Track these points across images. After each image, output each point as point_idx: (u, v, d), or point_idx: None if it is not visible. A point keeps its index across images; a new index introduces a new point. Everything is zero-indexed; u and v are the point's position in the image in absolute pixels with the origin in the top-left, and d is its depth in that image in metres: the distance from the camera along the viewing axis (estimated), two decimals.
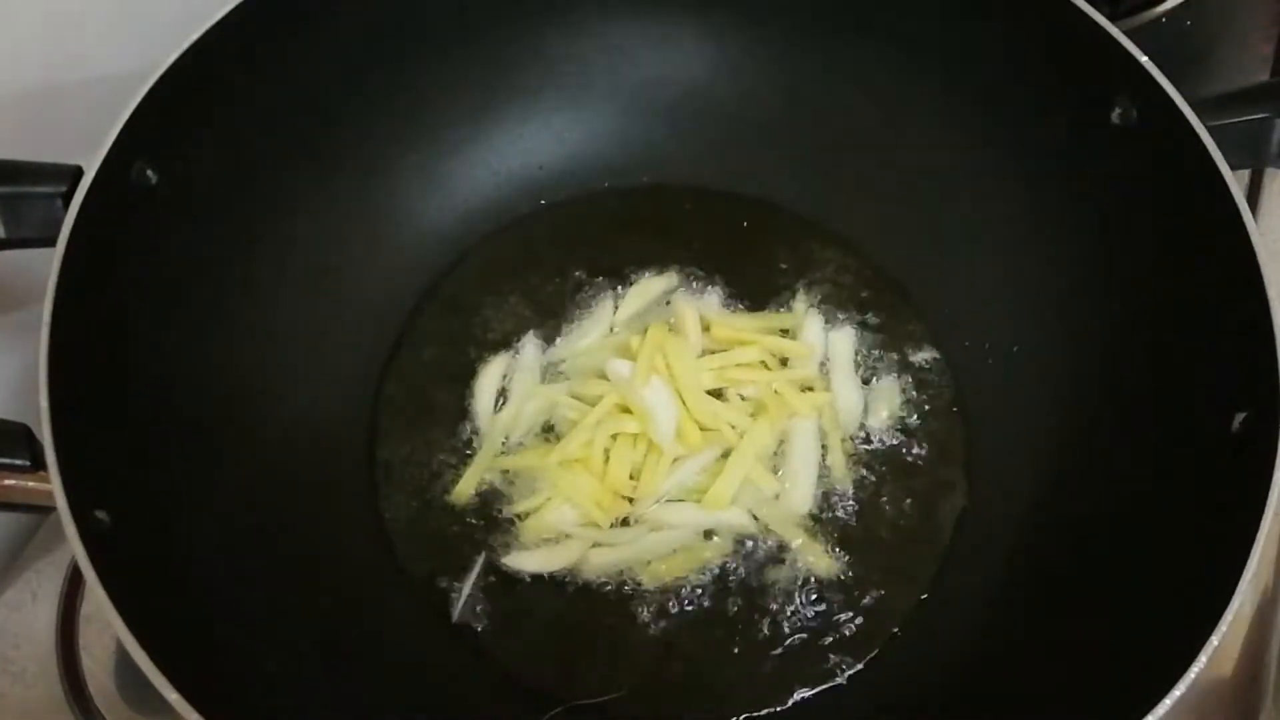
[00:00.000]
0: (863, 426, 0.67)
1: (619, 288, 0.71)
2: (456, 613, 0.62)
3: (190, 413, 0.60)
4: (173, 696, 0.46)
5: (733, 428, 0.65)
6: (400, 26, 0.68)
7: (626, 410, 0.65)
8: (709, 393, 0.66)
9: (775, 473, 0.65)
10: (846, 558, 0.63)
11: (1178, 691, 0.47)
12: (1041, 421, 0.65)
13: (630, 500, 0.64)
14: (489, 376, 0.68)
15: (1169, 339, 0.60)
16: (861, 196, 0.73)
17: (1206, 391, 0.57)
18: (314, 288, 0.68)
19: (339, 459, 0.66)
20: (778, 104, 0.74)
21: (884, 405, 0.68)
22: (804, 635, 0.61)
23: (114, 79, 0.61)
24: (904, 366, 0.69)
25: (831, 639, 0.61)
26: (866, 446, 0.67)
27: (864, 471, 0.66)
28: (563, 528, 0.63)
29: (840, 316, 0.70)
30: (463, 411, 0.68)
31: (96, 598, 0.47)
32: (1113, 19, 0.60)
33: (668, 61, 0.74)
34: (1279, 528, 0.61)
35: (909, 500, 0.65)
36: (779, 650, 0.61)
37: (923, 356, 0.69)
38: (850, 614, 0.62)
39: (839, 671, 0.61)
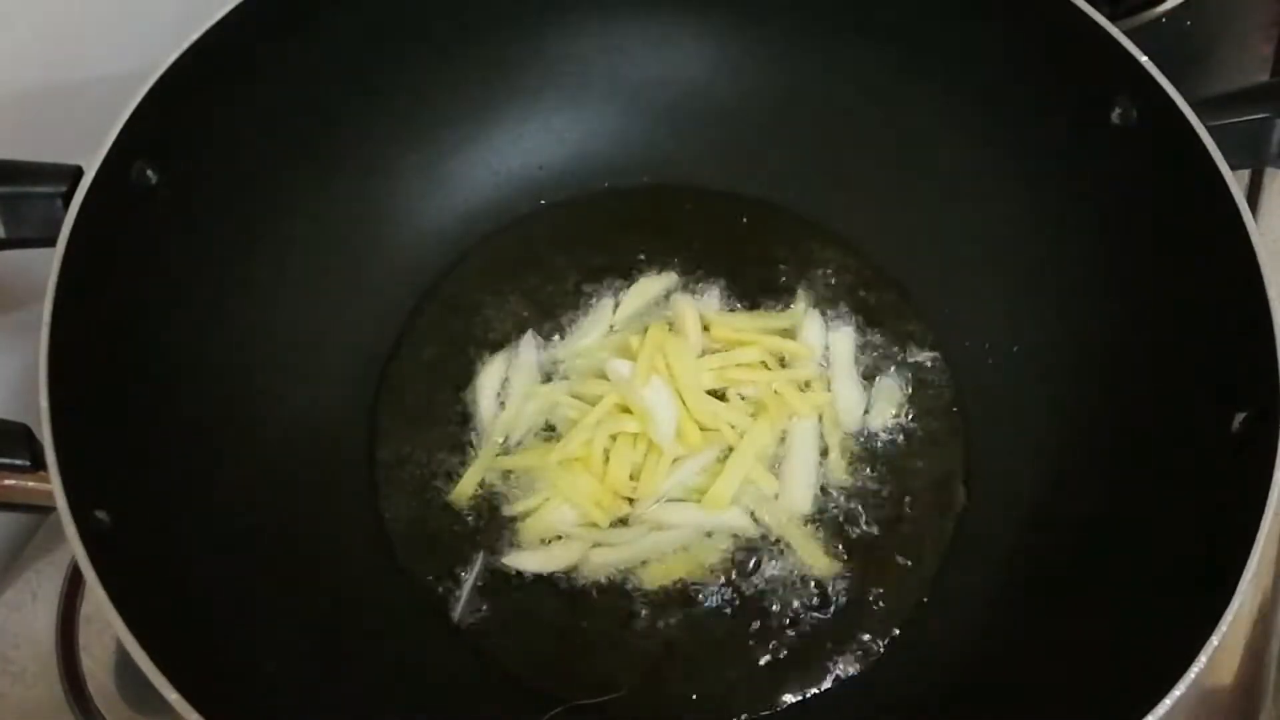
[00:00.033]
0: (863, 426, 0.67)
1: (619, 288, 0.71)
2: (457, 613, 0.62)
3: (190, 413, 0.60)
4: (173, 696, 0.46)
5: (733, 428, 0.65)
6: (400, 26, 0.68)
7: (626, 410, 0.65)
8: (709, 393, 0.66)
9: (775, 473, 0.65)
10: (846, 558, 0.63)
11: (1178, 691, 0.47)
12: (1041, 421, 0.65)
13: (630, 500, 0.64)
14: (489, 376, 0.68)
15: (1169, 339, 0.60)
16: (861, 196, 0.73)
17: (1206, 392, 0.57)
18: (314, 288, 0.68)
19: (339, 459, 0.66)
20: (778, 104, 0.74)
21: (884, 405, 0.68)
22: (804, 635, 0.61)
23: (114, 79, 0.61)
24: (904, 366, 0.69)
25: (831, 639, 0.61)
26: (866, 446, 0.67)
27: (864, 471, 0.66)
28: (562, 528, 0.63)
29: (840, 316, 0.70)
30: (463, 411, 0.68)
31: (96, 598, 0.47)
32: (1113, 19, 0.60)
33: (668, 61, 0.74)
34: (1279, 528, 0.61)
35: (909, 500, 0.65)
36: (779, 650, 0.61)
37: (923, 356, 0.69)
38: (850, 614, 0.62)
39: (839, 671, 0.61)
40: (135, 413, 0.57)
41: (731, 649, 0.61)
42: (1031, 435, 0.65)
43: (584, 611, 0.62)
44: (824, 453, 0.66)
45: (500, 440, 0.66)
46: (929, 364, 0.69)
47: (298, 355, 0.66)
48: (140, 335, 0.58)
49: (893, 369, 0.69)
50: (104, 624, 0.56)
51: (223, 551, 0.57)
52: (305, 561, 0.60)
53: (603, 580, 0.62)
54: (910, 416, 0.68)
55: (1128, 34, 0.60)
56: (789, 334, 0.70)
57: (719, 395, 0.67)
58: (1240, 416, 0.54)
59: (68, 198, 0.55)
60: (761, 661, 0.61)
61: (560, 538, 0.63)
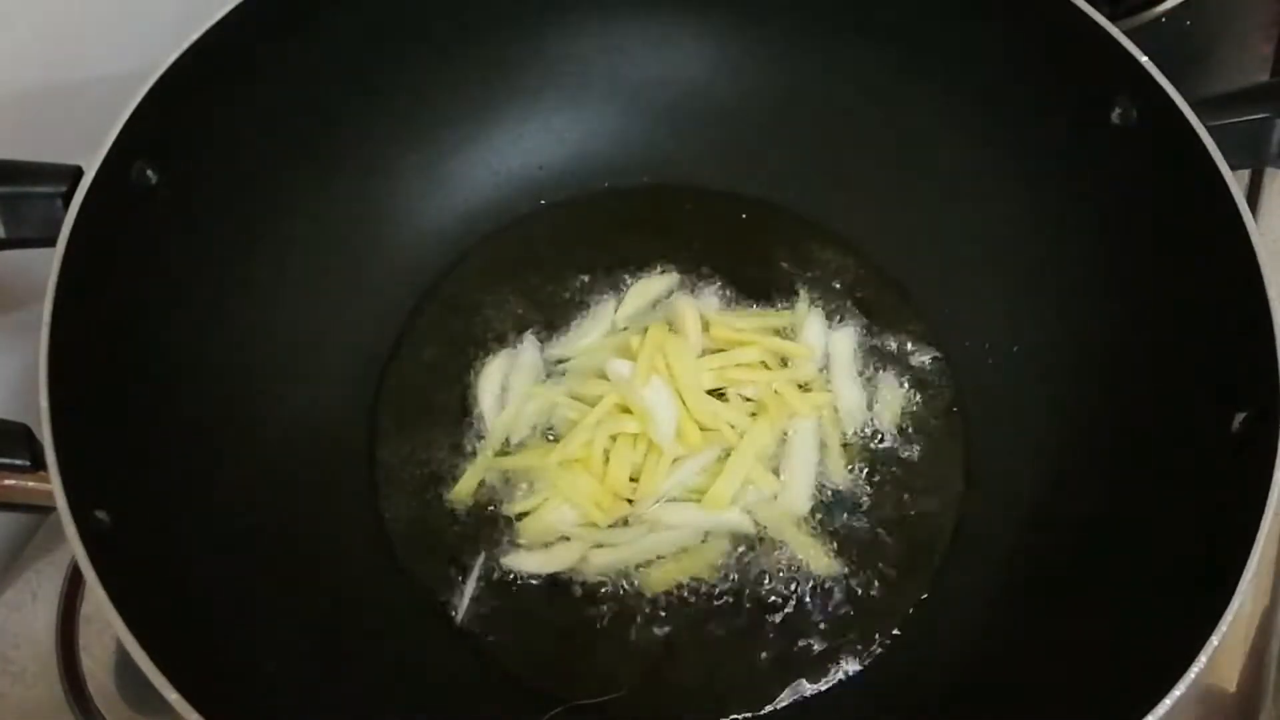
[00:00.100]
0: (863, 426, 0.67)
1: (619, 288, 0.71)
2: (456, 613, 0.62)
3: (190, 413, 0.60)
4: (173, 696, 0.46)
5: (733, 428, 0.65)
6: (400, 26, 0.68)
7: (626, 410, 0.65)
8: (709, 393, 0.66)
9: (775, 473, 0.65)
10: (846, 558, 0.63)
11: (1178, 691, 0.47)
12: (1041, 421, 0.65)
13: (630, 501, 0.64)
14: (489, 376, 0.68)
15: (1169, 339, 0.60)
16: (861, 196, 0.73)
17: (1206, 392, 0.57)
18: (314, 288, 0.68)
19: (339, 459, 0.66)
20: (778, 104, 0.74)
21: (884, 405, 0.68)
22: (803, 635, 0.61)
23: (114, 79, 0.61)
24: (904, 366, 0.69)
25: (831, 639, 0.61)
26: (866, 446, 0.67)
27: (864, 471, 0.66)
28: (562, 528, 0.63)
29: (840, 316, 0.70)
30: (463, 411, 0.68)
31: (96, 598, 0.47)
32: (1113, 19, 0.60)
33: (668, 61, 0.74)
34: (1279, 528, 0.61)
35: (909, 500, 0.65)
36: (778, 650, 0.61)
37: (923, 356, 0.69)
38: (850, 614, 0.62)
39: (839, 671, 0.61)
40: (135, 413, 0.57)
41: (731, 649, 0.61)
42: (1031, 435, 0.65)
43: (584, 611, 0.62)
44: (824, 453, 0.66)
45: (500, 440, 0.66)
46: (929, 364, 0.69)
47: (298, 355, 0.66)
48: (140, 335, 0.58)
49: (893, 369, 0.69)
50: (104, 624, 0.56)
51: (223, 551, 0.57)
52: (305, 561, 0.60)
53: (603, 580, 0.62)
54: (910, 416, 0.68)
55: (1128, 34, 0.60)
56: (789, 334, 0.70)
57: (719, 395, 0.67)
58: (1240, 416, 0.54)
59: (68, 198, 0.55)
60: (761, 661, 0.61)
61: (560, 538, 0.63)
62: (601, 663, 0.61)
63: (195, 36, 0.59)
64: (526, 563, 0.63)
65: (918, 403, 0.68)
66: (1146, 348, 0.61)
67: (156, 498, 0.55)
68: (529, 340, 0.69)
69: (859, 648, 0.61)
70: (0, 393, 0.67)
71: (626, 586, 0.62)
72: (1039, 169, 0.67)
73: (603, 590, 0.62)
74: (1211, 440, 0.55)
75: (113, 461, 0.54)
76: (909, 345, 0.70)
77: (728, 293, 0.71)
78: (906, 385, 0.68)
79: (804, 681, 0.60)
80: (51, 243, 0.54)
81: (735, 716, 0.60)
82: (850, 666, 0.61)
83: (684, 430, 0.64)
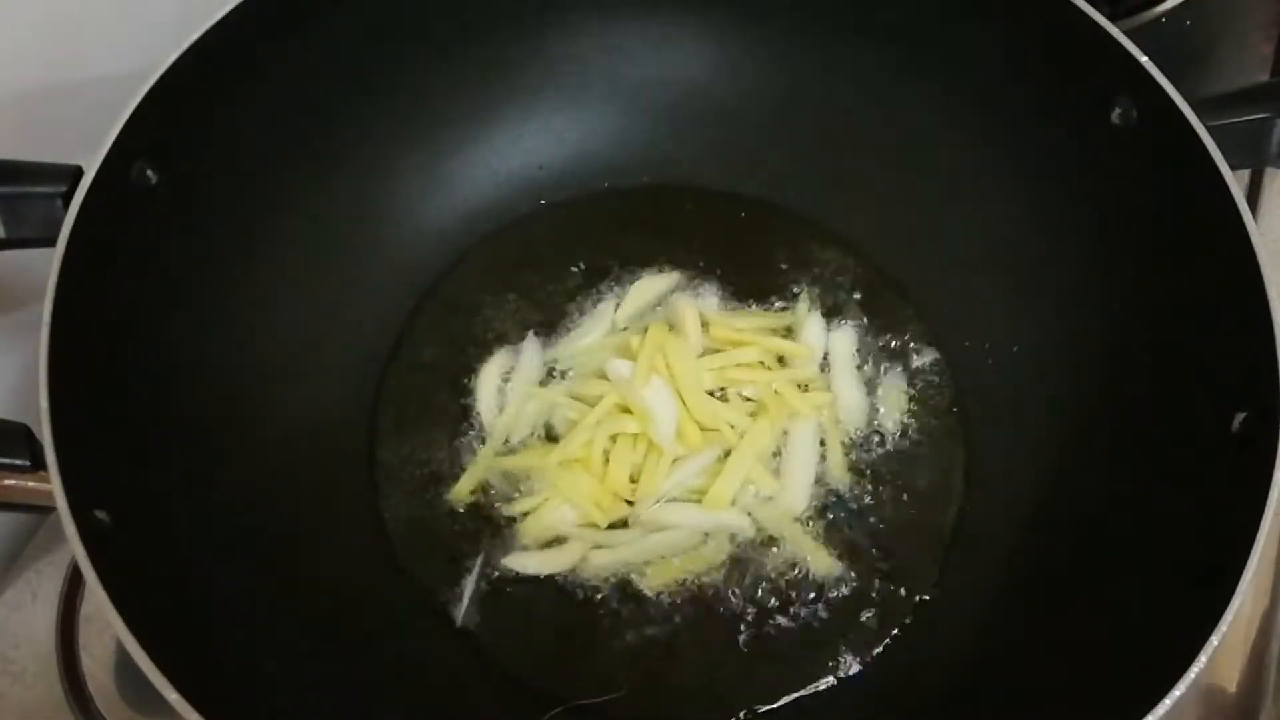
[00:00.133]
0: (863, 426, 0.67)
1: (619, 288, 0.71)
2: (456, 613, 0.62)
3: (190, 413, 0.60)
4: (173, 696, 0.46)
5: (733, 428, 0.65)
6: (400, 26, 0.68)
7: (626, 410, 0.65)
8: (709, 393, 0.66)
9: (774, 473, 0.65)
10: (845, 558, 0.63)
11: (1178, 691, 0.47)
12: (1041, 421, 0.65)
13: (630, 501, 0.64)
14: (489, 376, 0.68)
15: (1169, 339, 0.60)
16: (861, 196, 0.73)
17: (1206, 392, 0.57)
18: (314, 288, 0.68)
19: (339, 459, 0.66)
20: (778, 104, 0.74)
21: (884, 405, 0.68)
22: (803, 635, 0.61)
23: (114, 79, 0.61)
24: (904, 366, 0.69)
25: (831, 639, 0.61)
26: (866, 446, 0.67)
27: (864, 471, 0.66)
28: (562, 529, 0.63)
29: (840, 316, 0.70)
30: (463, 411, 0.68)
31: (96, 598, 0.47)
32: (1113, 19, 0.60)
33: (668, 61, 0.74)
34: (1279, 528, 0.61)
35: (908, 500, 0.65)
36: (778, 650, 0.61)
37: (923, 356, 0.69)
38: (850, 614, 0.62)
39: (839, 671, 0.61)
40: (135, 413, 0.57)
41: (731, 648, 0.61)
42: (1031, 435, 0.65)
43: (584, 611, 0.62)
44: (824, 453, 0.66)
45: (500, 440, 0.66)
46: (929, 364, 0.69)
47: (298, 355, 0.66)
48: (140, 335, 0.58)
49: (893, 369, 0.69)
50: (104, 624, 0.56)
51: (223, 551, 0.57)
52: (305, 561, 0.60)
53: (603, 581, 0.62)
54: (910, 416, 0.68)
55: (1128, 34, 0.60)
56: (789, 334, 0.70)
57: (719, 395, 0.67)
58: (1240, 416, 0.54)
59: (68, 198, 0.55)
60: (761, 660, 0.61)
61: (560, 538, 0.63)
62: (601, 663, 0.61)
63: (195, 36, 0.59)
64: (526, 563, 0.63)
65: (918, 403, 0.68)
66: (1146, 348, 0.61)
67: (156, 498, 0.55)
68: (529, 340, 0.69)
69: (859, 647, 0.61)
70: (0, 393, 0.67)
71: (626, 587, 0.62)
72: (1039, 169, 0.67)
73: (603, 590, 0.62)
74: (1211, 440, 0.55)
75: (113, 461, 0.54)
76: (909, 345, 0.70)
77: (728, 293, 0.71)
78: (906, 385, 0.68)
79: (804, 681, 0.60)
80: (51, 243, 0.54)
81: (735, 716, 0.60)
82: (850, 666, 0.61)
83: (684, 430, 0.64)
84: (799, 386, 0.67)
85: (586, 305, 0.71)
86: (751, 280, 0.72)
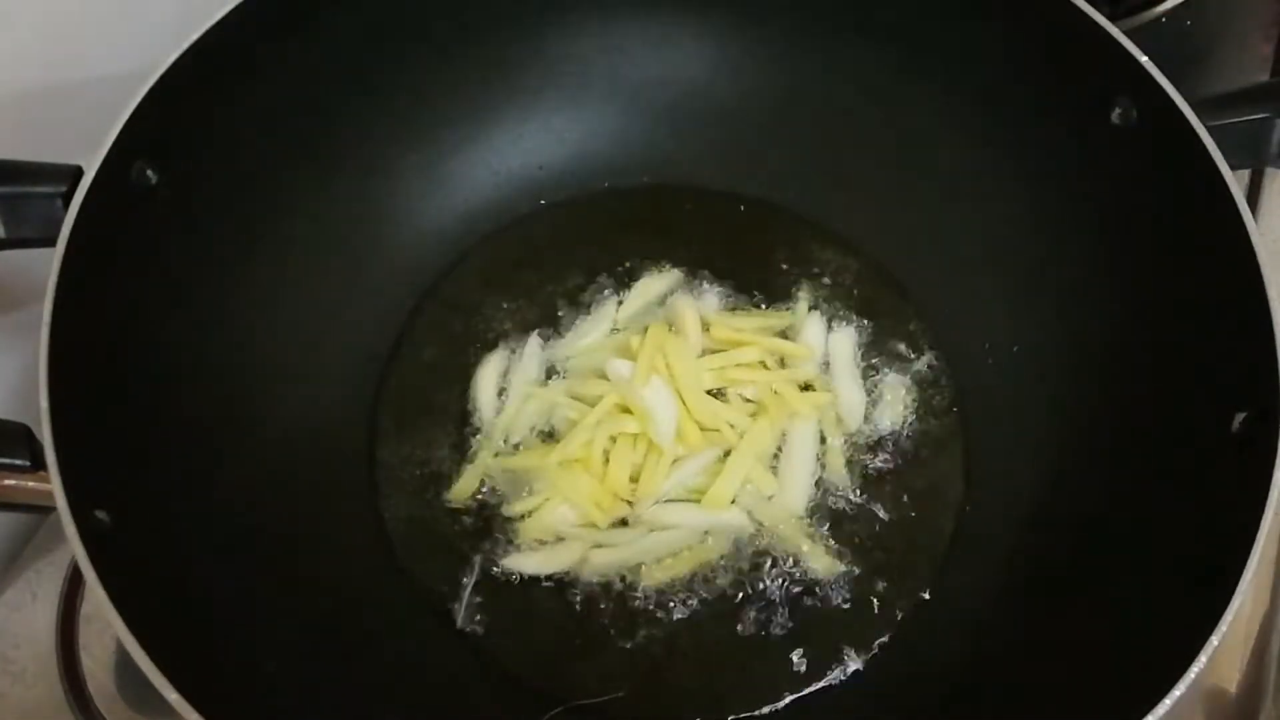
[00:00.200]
0: (863, 426, 0.67)
1: (619, 288, 0.71)
2: (456, 614, 0.62)
3: (190, 413, 0.60)
4: (173, 696, 0.46)
5: (732, 428, 0.65)
6: (400, 26, 0.68)
7: (626, 410, 0.65)
8: (709, 393, 0.66)
9: (774, 473, 0.65)
10: (846, 558, 0.63)
11: (1178, 691, 0.47)
12: (1041, 421, 0.65)
13: (629, 502, 0.64)
14: (489, 376, 0.68)
15: (1169, 339, 0.60)
16: (861, 196, 0.73)
17: (1206, 392, 0.57)
18: (314, 288, 0.68)
19: (339, 459, 0.66)
20: (778, 104, 0.74)
21: (884, 405, 0.68)
22: (803, 635, 0.61)
23: (114, 79, 0.61)
24: (904, 366, 0.69)
25: (831, 639, 0.61)
26: (866, 446, 0.67)
27: (864, 471, 0.66)
28: (562, 529, 0.63)
29: (840, 316, 0.70)
30: (463, 411, 0.68)
31: (96, 598, 0.47)
32: (1113, 19, 0.60)
33: (668, 61, 0.74)
34: (1279, 528, 0.61)
35: (909, 500, 0.65)
36: (778, 650, 0.61)
37: (923, 356, 0.69)
38: (850, 614, 0.62)
39: (839, 671, 0.61)
40: (135, 413, 0.57)
41: (731, 648, 0.61)
42: (1031, 435, 0.65)
43: (584, 612, 0.62)
44: (824, 453, 0.66)
45: (500, 440, 0.66)
46: (929, 364, 0.69)
47: (298, 355, 0.66)
48: (140, 335, 0.58)
49: (893, 369, 0.69)
50: (104, 624, 0.56)
51: (223, 551, 0.57)
52: (305, 561, 0.60)
53: (602, 581, 0.62)
54: (910, 416, 0.68)
55: (1128, 34, 0.60)
56: (789, 334, 0.70)
57: (719, 395, 0.67)
58: (1240, 416, 0.54)
59: (68, 198, 0.55)
60: (761, 660, 0.61)
61: (560, 538, 0.63)
62: (601, 663, 0.61)
63: (195, 36, 0.59)
64: (526, 563, 0.63)
65: (918, 403, 0.68)
66: (1146, 348, 0.61)
67: (156, 498, 0.55)
68: (529, 340, 0.69)
69: (859, 647, 0.61)
70: (0, 393, 0.67)
71: (626, 587, 0.62)
72: (1039, 169, 0.67)
73: (602, 591, 0.62)
74: (1211, 440, 0.55)
75: (113, 461, 0.54)
76: (909, 345, 0.70)
77: (728, 293, 0.71)
78: (906, 385, 0.68)
79: (803, 681, 0.60)
80: (51, 243, 0.54)
81: (735, 716, 0.60)
82: (850, 666, 0.61)
83: (684, 430, 0.64)
84: (799, 386, 0.67)
85: (586, 305, 0.71)
86: (751, 280, 0.72)
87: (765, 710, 0.60)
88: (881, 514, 0.65)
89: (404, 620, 0.62)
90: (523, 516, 0.64)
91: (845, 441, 0.67)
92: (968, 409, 0.68)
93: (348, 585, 0.62)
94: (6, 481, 0.52)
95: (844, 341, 0.70)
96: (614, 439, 0.64)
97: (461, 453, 0.66)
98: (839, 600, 0.62)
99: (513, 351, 0.69)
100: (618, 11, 0.73)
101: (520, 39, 0.72)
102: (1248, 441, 0.52)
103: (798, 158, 0.74)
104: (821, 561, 0.63)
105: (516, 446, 0.66)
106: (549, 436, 0.66)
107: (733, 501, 0.64)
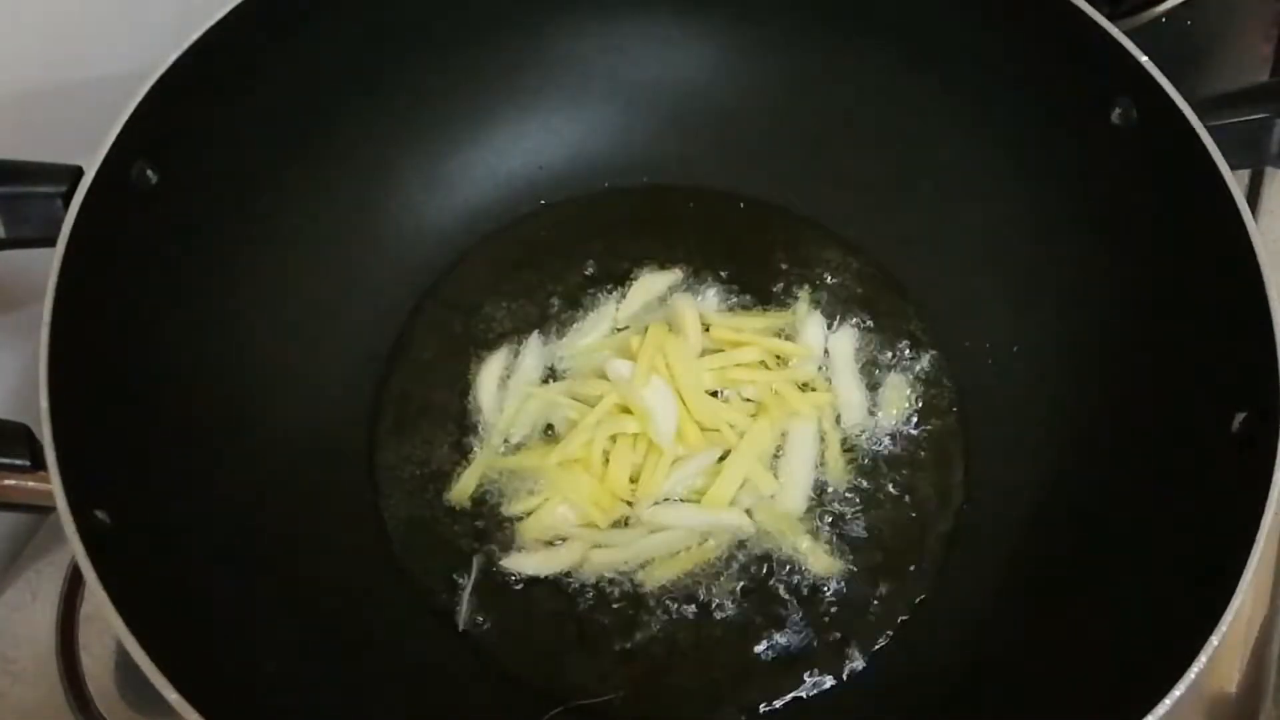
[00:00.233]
0: (863, 426, 0.67)
1: (619, 288, 0.71)
2: (456, 613, 0.62)
3: (190, 413, 0.60)
4: (173, 696, 0.46)
5: (732, 428, 0.65)
6: (400, 26, 0.68)
7: (626, 410, 0.65)
8: (709, 393, 0.66)
9: (774, 473, 0.65)
10: (846, 558, 0.63)
11: (1178, 691, 0.47)
12: (1041, 421, 0.65)
13: (629, 502, 0.64)
14: (489, 376, 0.68)
15: (1169, 340, 0.60)
16: (861, 196, 0.73)
17: (1206, 391, 0.57)
18: (314, 288, 0.68)
19: (339, 459, 0.66)
20: (778, 104, 0.74)
21: (884, 405, 0.68)
22: (803, 635, 0.61)
23: (114, 79, 0.61)
24: (904, 366, 0.69)
25: (831, 638, 0.61)
26: (867, 446, 0.67)
27: (864, 471, 0.66)
28: (562, 529, 0.63)
29: (840, 316, 0.70)
30: (463, 411, 0.68)
31: (96, 598, 0.47)
32: (1113, 19, 0.60)
33: (668, 61, 0.74)
34: (1279, 528, 0.61)
35: (909, 500, 0.65)
36: (778, 649, 0.61)
37: (923, 356, 0.69)
38: (850, 613, 0.62)
39: (838, 671, 0.61)
40: (135, 413, 0.57)
41: (731, 649, 0.61)
42: (1031, 435, 0.65)
43: (584, 612, 0.62)
44: (824, 453, 0.66)
45: (500, 440, 0.66)
46: (929, 364, 0.69)
47: (298, 355, 0.66)
48: (140, 335, 0.58)
49: (893, 369, 0.69)
50: (104, 624, 0.56)
51: (223, 551, 0.57)
52: (305, 561, 0.60)
53: (602, 581, 0.62)
54: (910, 416, 0.68)
55: (1128, 34, 0.60)
56: (789, 334, 0.70)
57: (719, 395, 0.67)
58: (1240, 416, 0.54)
59: (68, 198, 0.55)
60: (761, 661, 0.61)
61: (560, 538, 0.63)
62: (601, 663, 0.61)
63: (195, 36, 0.59)
64: (526, 564, 0.63)
65: (918, 403, 0.68)
66: (1146, 348, 0.61)
67: (156, 498, 0.55)
68: (529, 340, 0.69)
69: (859, 647, 0.61)
70: (0, 393, 0.67)
71: (626, 587, 0.62)
72: (1039, 169, 0.67)
73: (602, 591, 0.62)
74: (1211, 440, 0.55)
75: (113, 461, 0.54)
76: (909, 345, 0.70)
77: (728, 293, 0.71)
78: (906, 385, 0.68)
79: (803, 681, 0.60)
80: (51, 243, 0.54)
81: (735, 717, 0.60)
82: (850, 666, 0.61)
83: (684, 430, 0.64)
84: (799, 386, 0.67)
85: (586, 305, 0.71)
86: (751, 280, 0.72)
87: (765, 710, 0.60)
88: (881, 514, 0.65)
89: (404, 620, 0.62)
90: (523, 516, 0.64)
91: (845, 441, 0.67)
92: (968, 409, 0.68)
93: (348, 585, 0.62)
94: (6, 481, 0.52)
95: (844, 341, 0.70)
96: (614, 439, 0.64)
97: (461, 453, 0.66)
98: (839, 600, 0.62)
99: (513, 351, 0.69)
100: (618, 11, 0.73)
101: (520, 39, 0.72)
102: (1248, 441, 0.52)
103: (798, 158, 0.74)
104: (821, 561, 0.63)
105: (517, 446, 0.66)
106: (549, 436, 0.66)
107: (732, 501, 0.64)
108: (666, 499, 0.64)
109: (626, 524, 0.64)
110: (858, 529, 0.64)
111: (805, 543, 0.63)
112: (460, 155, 0.74)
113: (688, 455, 0.64)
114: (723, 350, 0.68)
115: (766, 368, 0.68)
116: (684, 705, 0.60)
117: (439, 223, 0.73)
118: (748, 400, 0.67)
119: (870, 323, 0.70)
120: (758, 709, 0.60)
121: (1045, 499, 0.63)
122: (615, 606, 0.62)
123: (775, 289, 0.71)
